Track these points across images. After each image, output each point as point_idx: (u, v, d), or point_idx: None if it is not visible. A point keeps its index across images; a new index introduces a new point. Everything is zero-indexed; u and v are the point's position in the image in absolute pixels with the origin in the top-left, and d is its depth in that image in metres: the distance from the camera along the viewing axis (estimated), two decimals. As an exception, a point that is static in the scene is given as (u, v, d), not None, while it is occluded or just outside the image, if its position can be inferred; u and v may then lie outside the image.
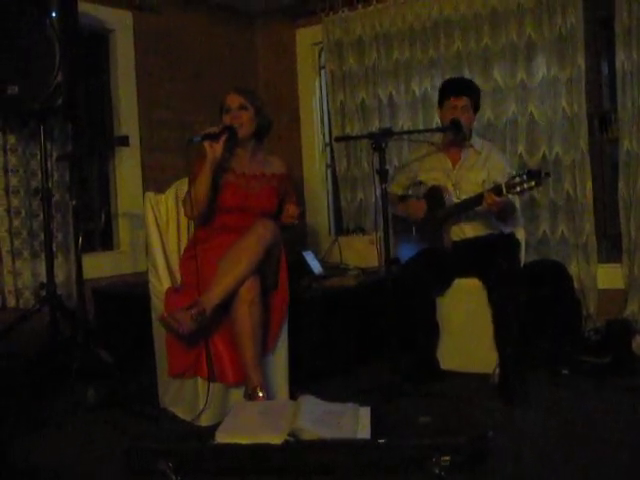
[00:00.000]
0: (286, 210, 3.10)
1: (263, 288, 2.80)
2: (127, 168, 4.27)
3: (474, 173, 3.42)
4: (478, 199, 3.15)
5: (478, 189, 3.30)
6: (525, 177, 2.93)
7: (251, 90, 3.25)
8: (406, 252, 3.53)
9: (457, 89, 3.40)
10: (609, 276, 3.94)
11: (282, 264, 2.95)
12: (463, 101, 3.36)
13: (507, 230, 3.41)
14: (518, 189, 2.97)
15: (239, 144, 3.09)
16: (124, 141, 4.16)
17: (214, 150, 2.90)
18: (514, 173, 3.12)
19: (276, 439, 2.20)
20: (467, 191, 3.36)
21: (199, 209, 2.97)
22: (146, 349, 3.11)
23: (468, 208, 3.27)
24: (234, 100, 3.07)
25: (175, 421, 2.83)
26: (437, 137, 3.58)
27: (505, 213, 3.26)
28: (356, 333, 3.65)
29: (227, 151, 3.00)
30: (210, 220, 3.07)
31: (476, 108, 3.46)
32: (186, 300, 2.71)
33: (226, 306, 2.73)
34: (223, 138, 2.92)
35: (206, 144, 2.90)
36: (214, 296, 2.68)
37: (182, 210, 3.18)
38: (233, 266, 2.72)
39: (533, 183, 2.92)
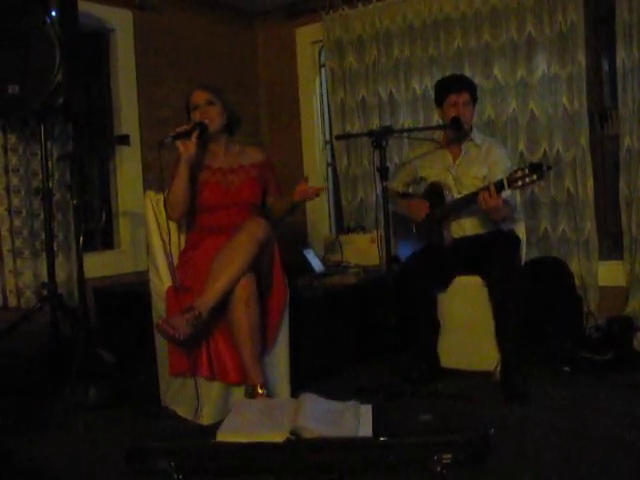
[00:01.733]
0: (298, 188, 3.03)
1: (259, 287, 2.80)
2: (128, 167, 4.27)
3: (475, 167, 3.41)
4: (475, 196, 3.14)
5: (479, 184, 3.29)
6: (527, 171, 2.92)
7: (215, 85, 3.22)
8: (406, 251, 3.53)
9: (457, 85, 3.39)
10: (610, 273, 3.94)
11: (276, 261, 2.93)
12: (464, 97, 3.36)
13: (507, 227, 3.41)
14: (520, 183, 2.96)
15: (211, 139, 3.10)
16: (125, 140, 4.15)
17: (187, 148, 2.90)
18: (515, 169, 3.11)
19: (277, 437, 2.20)
20: (468, 186, 3.35)
21: (180, 210, 2.98)
22: (147, 348, 3.11)
23: (467, 204, 3.26)
24: (200, 96, 3.07)
25: (176, 420, 2.83)
26: (438, 134, 3.57)
27: (497, 212, 3.17)
28: (357, 331, 3.66)
29: (200, 147, 3.00)
30: (193, 221, 3.07)
31: (474, 102, 3.46)
32: (187, 300, 2.71)
33: (224, 305, 2.73)
34: (195, 134, 2.92)
35: (178, 143, 2.91)
36: (209, 299, 2.66)
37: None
38: (226, 267, 2.70)
39: (535, 177, 2.91)
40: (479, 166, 3.41)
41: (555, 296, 3.52)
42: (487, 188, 3.05)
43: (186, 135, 2.91)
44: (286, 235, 3.08)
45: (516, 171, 2.97)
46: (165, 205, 2.98)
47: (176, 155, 2.98)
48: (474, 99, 3.43)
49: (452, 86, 3.40)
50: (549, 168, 3.02)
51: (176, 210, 2.99)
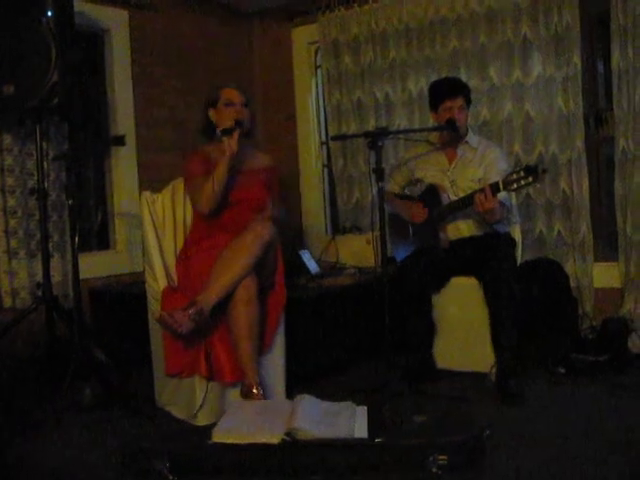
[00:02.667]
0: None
1: (260, 287, 2.80)
2: (123, 167, 4.26)
3: (471, 170, 3.41)
4: (471, 198, 3.14)
5: (475, 186, 3.29)
6: (522, 173, 2.92)
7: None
8: (401, 253, 3.53)
9: (452, 91, 3.37)
10: (605, 275, 3.95)
11: (279, 263, 2.96)
12: (459, 101, 3.35)
13: (502, 229, 3.41)
14: (515, 185, 2.95)
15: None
16: (120, 140, 4.16)
17: (232, 145, 2.92)
18: (510, 171, 3.11)
19: (273, 439, 2.20)
20: (464, 188, 3.35)
21: (212, 204, 2.97)
22: (142, 349, 3.11)
23: (463, 207, 3.26)
24: (237, 96, 3.10)
25: (172, 420, 2.83)
26: (433, 136, 3.57)
27: (493, 215, 3.15)
28: (352, 332, 3.65)
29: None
30: (217, 215, 3.08)
31: (469, 105, 3.46)
32: (183, 300, 2.71)
33: (223, 305, 2.73)
34: (237, 132, 2.94)
35: (225, 139, 2.93)
36: (212, 295, 2.67)
37: (178, 209, 3.20)
38: (230, 265, 2.71)
39: (531, 179, 2.91)
40: (475, 169, 3.40)
41: (550, 297, 3.52)
42: (483, 190, 3.05)
43: (229, 132, 2.94)
44: (281, 236, 3.08)
45: (512, 173, 2.97)
46: (198, 199, 3.00)
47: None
48: (468, 102, 3.42)
49: (446, 92, 3.38)
50: (545, 171, 3.01)
51: (209, 204, 2.96)
